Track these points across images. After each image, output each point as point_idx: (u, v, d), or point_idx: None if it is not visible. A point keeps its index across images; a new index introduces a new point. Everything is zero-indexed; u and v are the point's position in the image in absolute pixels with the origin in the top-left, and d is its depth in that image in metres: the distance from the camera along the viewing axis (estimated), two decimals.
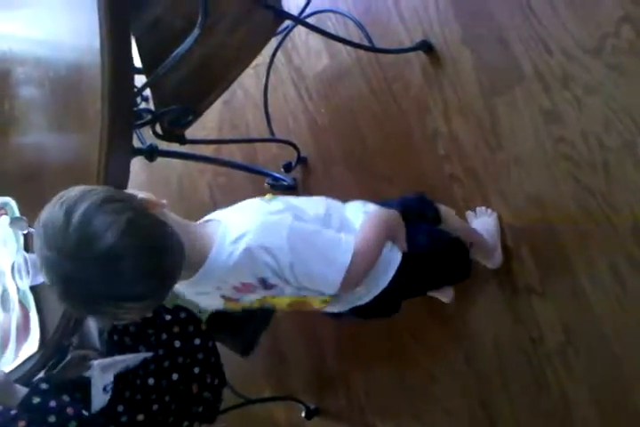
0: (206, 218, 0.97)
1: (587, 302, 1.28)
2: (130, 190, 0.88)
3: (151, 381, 1.30)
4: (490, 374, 1.42)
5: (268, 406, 1.87)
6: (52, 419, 1.13)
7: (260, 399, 1.80)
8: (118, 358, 1.31)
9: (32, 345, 1.25)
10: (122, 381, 1.27)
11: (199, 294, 0.96)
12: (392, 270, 0.99)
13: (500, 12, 1.46)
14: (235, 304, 0.98)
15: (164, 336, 1.34)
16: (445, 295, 1.41)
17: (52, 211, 0.76)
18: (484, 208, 1.43)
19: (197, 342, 1.36)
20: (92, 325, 1.56)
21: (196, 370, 1.34)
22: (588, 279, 1.28)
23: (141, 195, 0.84)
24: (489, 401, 1.42)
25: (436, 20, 1.59)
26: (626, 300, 1.23)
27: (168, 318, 1.36)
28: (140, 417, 1.26)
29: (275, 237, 0.87)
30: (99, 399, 1.22)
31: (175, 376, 1.32)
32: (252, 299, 0.96)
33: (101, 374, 1.24)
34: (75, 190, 0.79)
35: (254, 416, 1.90)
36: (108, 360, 1.29)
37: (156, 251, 0.78)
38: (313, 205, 1.00)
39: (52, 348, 1.28)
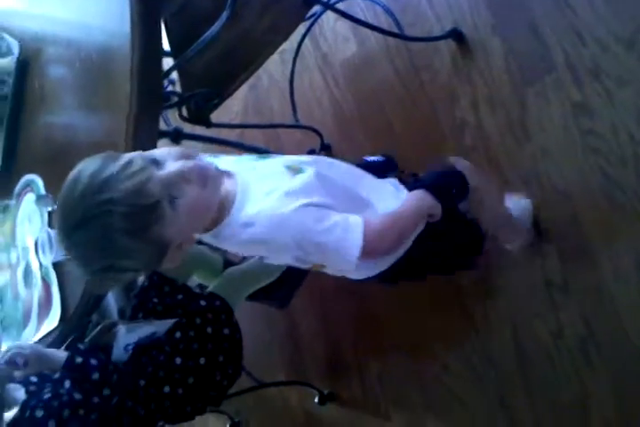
0: (226, 169, 0.95)
1: (609, 296, 1.27)
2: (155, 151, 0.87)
3: (178, 360, 1.32)
4: (507, 366, 1.41)
5: (282, 391, 1.88)
6: (95, 376, 1.17)
7: (274, 383, 1.82)
8: (146, 321, 1.34)
9: (53, 321, 1.27)
10: (146, 354, 1.30)
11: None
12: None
13: (533, 1, 1.44)
14: None
15: (198, 320, 1.36)
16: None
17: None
18: (515, 195, 1.39)
19: (227, 331, 1.37)
20: (111, 303, 1.58)
21: (221, 358, 1.36)
22: (611, 274, 1.27)
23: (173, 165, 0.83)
24: (505, 394, 1.42)
25: (466, 7, 1.57)
26: None
27: (203, 303, 1.37)
28: (167, 389, 1.28)
29: (281, 235, 0.87)
30: (117, 356, 1.25)
31: (202, 361, 1.33)
32: None
33: (125, 334, 1.27)
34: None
35: (268, 400, 1.92)
36: (134, 324, 1.32)
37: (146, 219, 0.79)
38: (347, 176, 1.00)
39: (71, 325, 1.31)
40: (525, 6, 1.45)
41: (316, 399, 1.80)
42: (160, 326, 1.30)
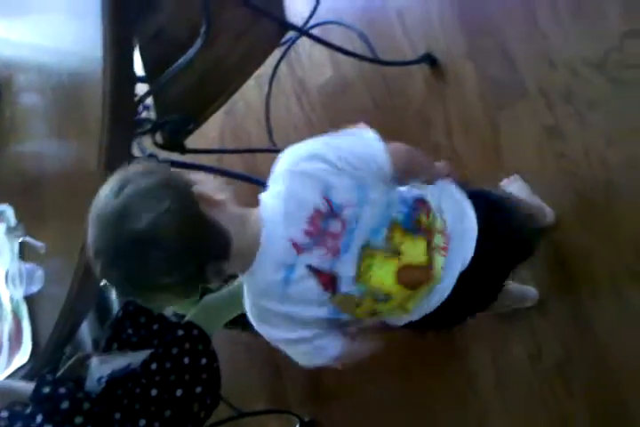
0: None
1: (587, 318, 1.27)
2: (195, 176, 0.84)
3: (154, 392, 1.29)
4: (488, 388, 1.40)
5: (262, 419, 1.85)
6: (64, 405, 1.13)
7: (254, 412, 1.78)
8: (120, 353, 1.31)
9: (24, 355, 1.24)
10: (121, 386, 1.27)
11: (287, 284, 0.84)
12: (469, 210, 0.95)
13: (505, 27, 1.46)
14: (343, 299, 0.87)
15: (175, 351, 1.33)
16: (529, 299, 1.34)
17: (108, 184, 0.79)
18: (506, 180, 1.38)
19: (204, 361, 1.35)
20: (85, 334, 1.55)
21: (198, 389, 1.33)
22: (588, 296, 1.27)
23: (202, 186, 0.80)
24: (486, 418, 1.40)
25: (440, 33, 1.59)
26: (627, 317, 1.22)
27: (180, 333, 1.35)
28: (142, 422, 1.25)
29: (302, 148, 0.86)
30: (91, 389, 1.22)
31: (179, 392, 1.30)
32: (345, 270, 0.86)
33: (98, 366, 1.24)
34: (137, 167, 0.81)
35: None
36: (107, 356, 1.29)
37: (186, 247, 0.76)
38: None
39: (44, 358, 1.28)
40: (498, 32, 1.48)
41: None
42: (135, 358, 1.27)
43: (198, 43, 1.18)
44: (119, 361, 1.27)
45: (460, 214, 0.95)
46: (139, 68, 1.59)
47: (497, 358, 1.39)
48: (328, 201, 0.83)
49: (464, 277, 0.93)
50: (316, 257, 0.84)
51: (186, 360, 1.34)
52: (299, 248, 0.83)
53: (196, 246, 0.77)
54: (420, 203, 0.93)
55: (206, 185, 0.81)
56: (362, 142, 0.87)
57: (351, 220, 0.85)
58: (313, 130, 1.85)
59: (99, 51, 1.12)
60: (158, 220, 0.74)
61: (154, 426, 1.27)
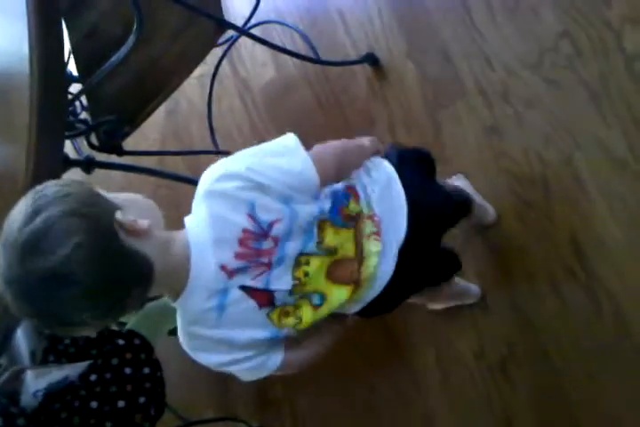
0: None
1: (527, 315, 1.28)
2: (121, 196, 0.80)
3: (94, 404, 1.25)
4: (432, 387, 1.41)
5: None
6: None
7: (202, 420, 1.75)
8: (55, 365, 1.26)
9: None
10: (59, 400, 1.22)
11: (221, 310, 0.82)
12: (396, 183, 0.94)
13: (443, 27, 1.48)
14: (280, 312, 0.85)
15: (115, 361, 1.29)
16: (471, 295, 1.35)
17: (22, 204, 0.74)
18: (449, 179, 1.38)
19: (147, 370, 1.31)
20: (22, 345, 1.49)
21: (142, 400, 1.30)
22: (527, 292, 1.29)
23: (126, 211, 0.75)
24: (431, 415, 1.41)
25: (381, 33, 1.60)
26: (565, 312, 1.24)
27: (121, 342, 1.31)
28: None
29: (218, 168, 0.82)
30: (27, 404, 1.18)
31: (122, 404, 1.27)
32: (281, 284, 0.84)
33: (34, 379, 1.20)
34: (54, 187, 0.74)
35: None
36: (44, 367, 1.24)
37: (103, 283, 0.71)
38: None
39: None
40: (437, 32, 1.49)
41: None
42: (72, 370, 1.23)
43: (131, 40, 1.15)
44: (56, 374, 1.23)
45: (387, 195, 0.93)
46: (73, 67, 1.55)
47: (441, 356, 1.40)
48: (254, 219, 0.80)
49: (403, 252, 0.92)
50: (250, 277, 0.81)
51: (127, 370, 1.30)
52: (230, 272, 0.80)
53: (113, 281, 0.72)
54: (350, 189, 0.92)
55: (131, 209, 0.77)
56: (285, 157, 0.84)
57: (282, 234, 0.82)
58: (256, 130, 1.83)
59: (26, 50, 1.07)
60: (70, 256, 0.69)
61: None
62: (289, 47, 1.70)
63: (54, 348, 1.33)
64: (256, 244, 0.81)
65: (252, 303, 0.82)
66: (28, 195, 0.74)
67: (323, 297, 0.88)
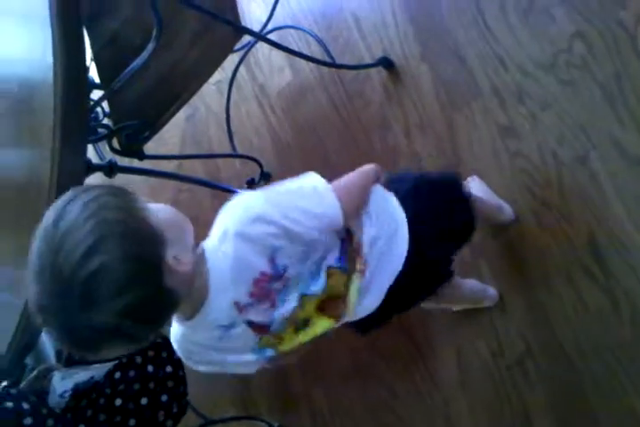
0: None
1: (545, 314, 1.29)
2: (154, 208, 0.79)
3: (118, 402, 1.27)
4: (452, 388, 1.41)
5: (231, 426, 1.83)
6: (27, 421, 1.10)
7: (223, 419, 1.77)
8: (82, 366, 1.28)
9: None
10: (85, 398, 1.25)
11: (222, 339, 0.85)
12: (392, 204, 0.98)
13: (457, 30, 1.49)
14: (272, 339, 0.89)
15: (139, 359, 1.31)
16: (488, 298, 1.35)
17: (78, 219, 0.72)
18: (468, 179, 1.39)
19: (169, 369, 1.33)
20: (47, 345, 1.52)
21: (164, 398, 1.32)
22: (545, 292, 1.29)
23: (170, 247, 0.75)
24: (451, 415, 1.41)
25: (395, 36, 1.61)
26: (582, 312, 1.24)
27: None
28: None
29: (253, 208, 0.82)
30: (54, 404, 1.20)
31: (144, 401, 1.29)
32: (282, 315, 0.87)
33: (60, 381, 1.22)
34: (108, 216, 0.72)
35: None
36: (70, 368, 1.27)
37: (145, 327, 0.75)
38: None
39: (3, 370, 1.25)
40: (451, 35, 1.50)
41: None
42: (98, 371, 1.25)
43: (150, 46, 1.18)
44: (81, 375, 1.25)
45: (390, 244, 0.96)
46: (94, 74, 1.58)
47: (460, 357, 1.40)
48: (273, 263, 0.83)
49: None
50: (256, 312, 0.85)
51: (150, 368, 1.32)
52: (241, 308, 0.83)
53: (152, 322, 0.76)
54: (351, 237, 0.93)
55: (169, 231, 0.77)
56: (315, 200, 0.86)
57: (293, 277, 0.86)
58: (274, 133, 1.85)
59: (49, 58, 1.11)
60: (121, 312, 0.70)
61: None
62: (305, 52, 1.72)
63: None
64: (269, 284, 0.84)
65: (250, 334, 0.86)
66: (82, 204, 0.72)
67: (309, 323, 0.91)
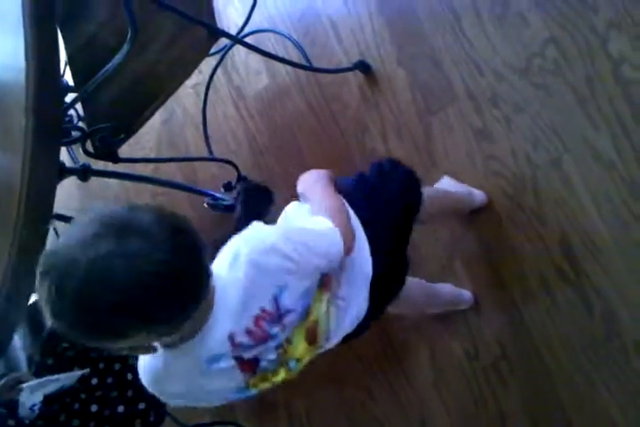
0: None
1: (519, 316, 1.30)
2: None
3: (94, 408, 1.26)
4: (427, 388, 1.42)
5: None
6: None
7: (199, 425, 1.75)
8: (50, 378, 1.26)
9: None
10: (58, 402, 1.23)
11: (209, 373, 0.82)
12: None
13: (433, 34, 1.50)
14: (259, 379, 0.87)
15: (117, 367, 1.30)
16: (464, 302, 1.36)
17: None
18: (437, 183, 1.41)
19: None
20: (19, 349, 1.49)
21: (142, 406, 1.31)
22: (519, 293, 1.31)
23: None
24: (427, 416, 1.42)
25: (372, 41, 1.62)
26: (556, 312, 1.26)
27: None
28: None
29: (270, 238, 0.83)
30: (24, 415, 1.19)
31: (121, 409, 1.28)
32: (270, 355, 0.86)
33: (29, 395, 1.20)
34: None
35: None
36: (38, 381, 1.25)
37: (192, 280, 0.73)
38: None
39: None
40: (427, 39, 1.51)
41: None
42: (67, 380, 1.24)
43: (125, 49, 1.17)
44: (50, 387, 1.23)
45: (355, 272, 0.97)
46: (69, 77, 1.57)
47: (435, 358, 1.41)
48: (277, 302, 0.83)
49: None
50: (249, 353, 0.83)
51: (129, 376, 1.31)
52: (235, 344, 0.81)
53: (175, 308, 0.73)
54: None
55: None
56: (325, 238, 0.88)
57: (290, 324, 0.85)
58: (250, 136, 1.85)
59: (22, 60, 1.09)
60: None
61: None
62: (282, 55, 1.72)
63: (53, 351, 1.34)
64: (268, 326, 0.83)
65: (237, 372, 0.84)
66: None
67: (299, 361, 0.90)
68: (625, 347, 1.18)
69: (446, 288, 1.33)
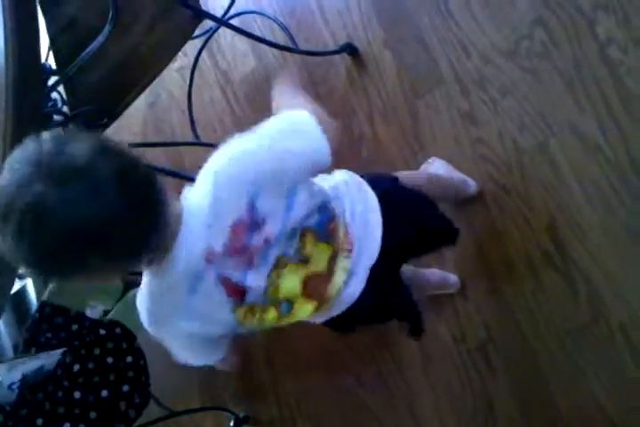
0: None
1: (505, 299, 1.30)
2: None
3: (77, 394, 1.25)
4: (415, 372, 1.42)
5: (195, 417, 1.81)
6: None
7: (186, 411, 1.75)
8: (29, 355, 1.26)
9: None
10: (41, 390, 1.22)
11: (195, 293, 0.81)
12: (366, 187, 0.96)
13: (420, 16, 1.48)
14: (247, 310, 0.85)
15: (97, 351, 1.29)
16: (451, 286, 1.35)
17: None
18: (424, 164, 1.39)
19: (130, 359, 1.32)
20: (5, 340, 1.49)
21: (125, 388, 1.31)
22: (505, 277, 1.31)
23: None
24: (414, 400, 1.42)
25: (359, 23, 1.60)
26: (542, 296, 1.26)
27: (103, 332, 1.31)
28: (67, 425, 1.21)
29: (240, 147, 0.81)
30: (3, 398, 1.18)
31: (105, 393, 1.27)
32: (259, 280, 0.83)
33: (7, 373, 1.20)
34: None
35: None
36: (17, 358, 1.24)
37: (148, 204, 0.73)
38: None
39: None
40: (413, 21, 1.50)
41: (232, 423, 1.74)
42: (47, 359, 1.23)
43: (106, 30, 1.15)
44: (30, 365, 1.23)
45: (366, 221, 0.94)
46: (52, 60, 1.54)
47: (422, 341, 1.41)
48: (253, 207, 0.79)
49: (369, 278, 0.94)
50: (229, 267, 0.81)
51: (109, 360, 1.31)
52: (210, 258, 0.79)
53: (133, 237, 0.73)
54: (329, 210, 0.90)
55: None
56: (301, 135, 0.83)
57: (275, 237, 0.82)
58: (237, 121, 1.83)
59: (0, 42, 1.07)
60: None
61: None
62: (268, 38, 1.70)
63: (36, 341, 1.33)
64: (247, 237, 0.80)
65: (222, 293, 0.82)
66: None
67: (290, 307, 0.89)
68: (610, 328, 1.18)
69: (433, 272, 1.33)
